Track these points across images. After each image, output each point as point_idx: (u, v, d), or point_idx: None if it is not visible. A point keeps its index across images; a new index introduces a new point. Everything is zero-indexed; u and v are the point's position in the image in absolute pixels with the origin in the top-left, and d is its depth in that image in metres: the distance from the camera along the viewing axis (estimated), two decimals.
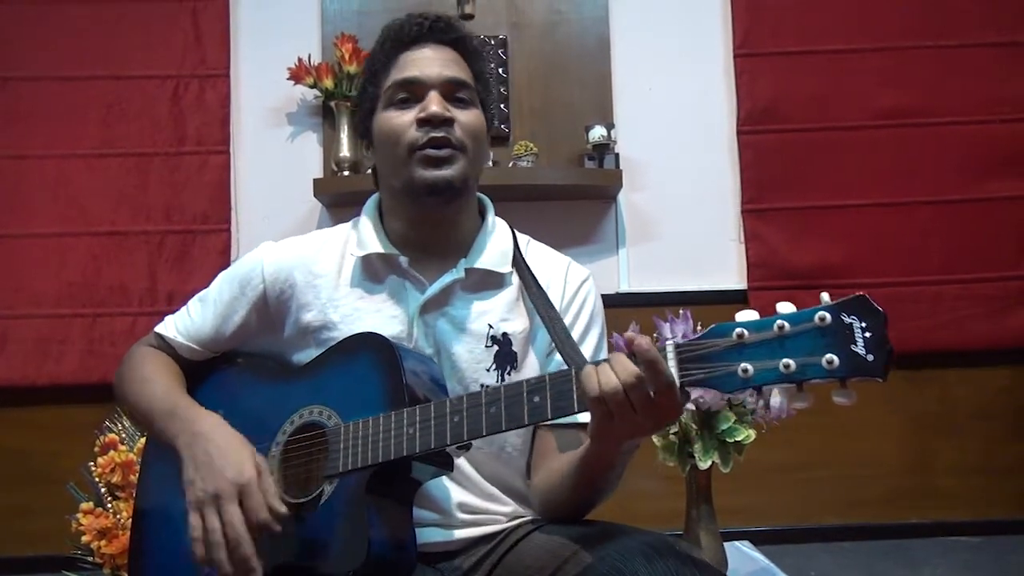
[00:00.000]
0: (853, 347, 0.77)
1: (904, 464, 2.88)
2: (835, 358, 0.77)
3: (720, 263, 2.91)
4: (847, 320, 0.78)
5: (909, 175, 2.89)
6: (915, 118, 2.89)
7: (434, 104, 1.14)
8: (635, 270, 2.91)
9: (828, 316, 0.78)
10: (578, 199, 2.89)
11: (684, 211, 2.92)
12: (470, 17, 2.85)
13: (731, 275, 2.91)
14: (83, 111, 2.85)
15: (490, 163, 2.73)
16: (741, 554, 1.76)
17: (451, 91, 1.16)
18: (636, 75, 2.95)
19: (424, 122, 1.13)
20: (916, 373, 2.86)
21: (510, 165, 2.79)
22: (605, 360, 0.89)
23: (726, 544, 1.58)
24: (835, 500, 2.84)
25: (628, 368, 0.86)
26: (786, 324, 0.80)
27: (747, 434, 1.48)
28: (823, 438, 2.77)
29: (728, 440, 1.47)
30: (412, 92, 1.16)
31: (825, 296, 0.80)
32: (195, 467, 1.03)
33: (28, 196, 2.82)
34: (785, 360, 0.79)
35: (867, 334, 0.77)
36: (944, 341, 2.84)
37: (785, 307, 0.82)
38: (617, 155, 2.83)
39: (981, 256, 2.86)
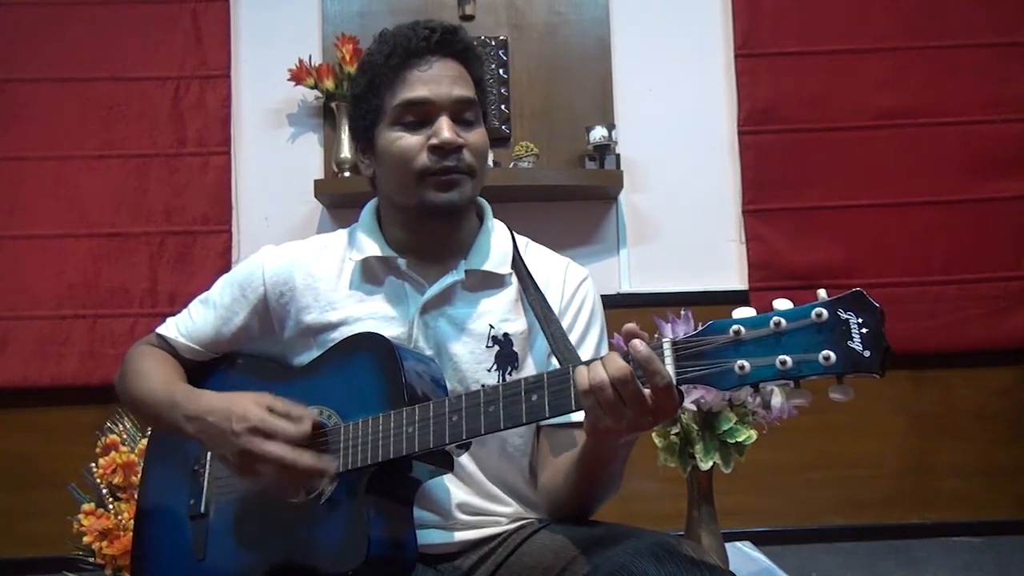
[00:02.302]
0: (850, 343, 0.76)
1: (905, 465, 2.87)
2: (832, 354, 0.76)
3: (721, 264, 2.91)
4: (844, 316, 0.77)
5: (909, 175, 2.88)
6: (915, 118, 2.89)
7: (446, 131, 1.13)
8: (636, 271, 2.91)
9: (825, 312, 0.77)
10: (579, 200, 2.89)
11: (685, 212, 2.92)
12: (470, 18, 2.86)
13: (732, 276, 2.91)
14: (83, 113, 2.85)
15: (491, 164, 2.73)
16: (742, 555, 1.77)
17: (459, 111, 1.16)
18: (636, 76, 2.95)
19: (436, 149, 1.13)
20: (917, 373, 2.85)
21: (511, 166, 2.79)
22: (599, 358, 0.89)
23: (727, 545, 1.58)
24: (836, 501, 2.84)
25: (618, 365, 0.86)
26: (783, 321, 0.79)
27: (748, 435, 1.48)
28: (824, 439, 2.77)
29: (729, 441, 1.47)
30: (421, 113, 1.14)
31: (822, 292, 0.79)
32: (215, 443, 1.07)
33: (28, 198, 2.81)
34: (782, 357, 0.79)
35: (864, 330, 0.76)
36: (945, 342, 2.84)
37: (782, 304, 0.81)
38: (618, 156, 2.83)
39: (982, 256, 2.86)
